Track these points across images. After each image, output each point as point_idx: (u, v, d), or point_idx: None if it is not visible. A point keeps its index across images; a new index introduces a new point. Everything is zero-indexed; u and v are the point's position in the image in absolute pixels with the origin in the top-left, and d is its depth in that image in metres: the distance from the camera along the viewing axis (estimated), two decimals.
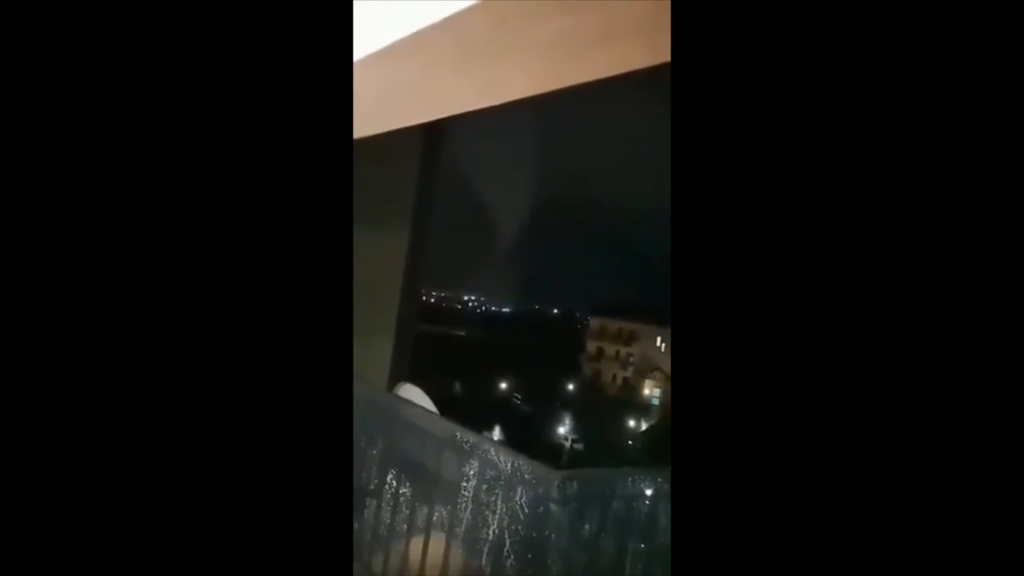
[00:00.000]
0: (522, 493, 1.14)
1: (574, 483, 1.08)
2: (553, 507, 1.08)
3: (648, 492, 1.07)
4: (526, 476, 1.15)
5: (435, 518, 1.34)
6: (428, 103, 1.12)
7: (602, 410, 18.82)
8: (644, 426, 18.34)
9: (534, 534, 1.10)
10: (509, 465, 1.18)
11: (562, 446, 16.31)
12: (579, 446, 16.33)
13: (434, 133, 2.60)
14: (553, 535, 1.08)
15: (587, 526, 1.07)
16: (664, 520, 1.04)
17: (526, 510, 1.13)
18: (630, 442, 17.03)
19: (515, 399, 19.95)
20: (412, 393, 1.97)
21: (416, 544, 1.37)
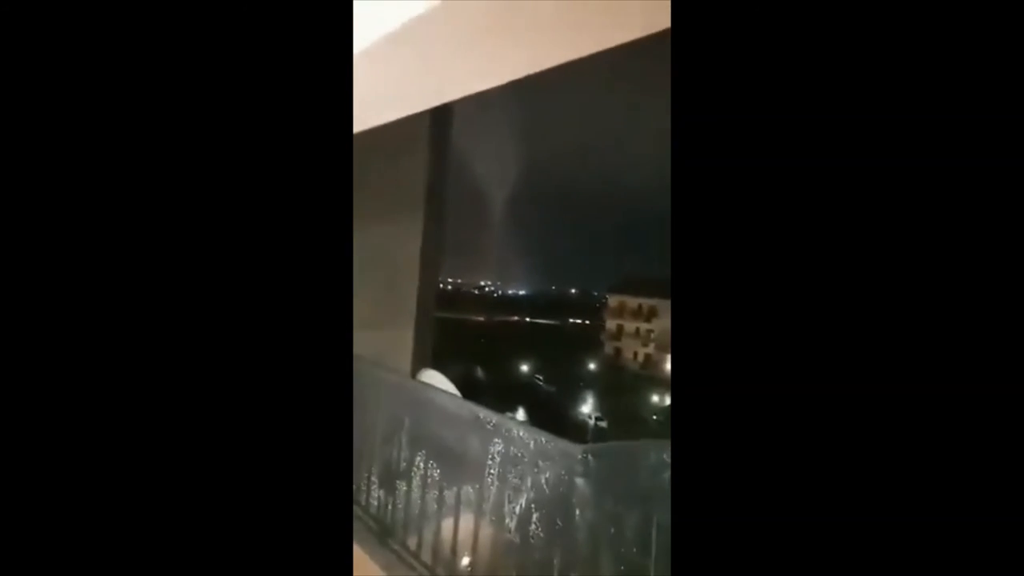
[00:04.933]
0: (546, 468, 1.17)
1: (596, 457, 1.10)
2: (577, 480, 1.11)
3: (667, 462, 1.08)
4: (549, 452, 1.18)
5: (463, 496, 1.38)
6: (428, 90, 1.12)
7: (625, 387, 18.87)
8: (667, 401, 18.35)
9: (560, 507, 1.13)
10: (532, 442, 1.21)
11: (586, 424, 16.46)
12: (603, 423, 16.46)
13: (443, 120, 2.59)
14: (578, 508, 1.11)
15: (611, 498, 1.09)
16: None
17: (551, 484, 1.16)
18: (654, 417, 17.07)
19: (537, 380, 20.10)
20: (434, 378, 2.01)
21: (447, 522, 1.42)
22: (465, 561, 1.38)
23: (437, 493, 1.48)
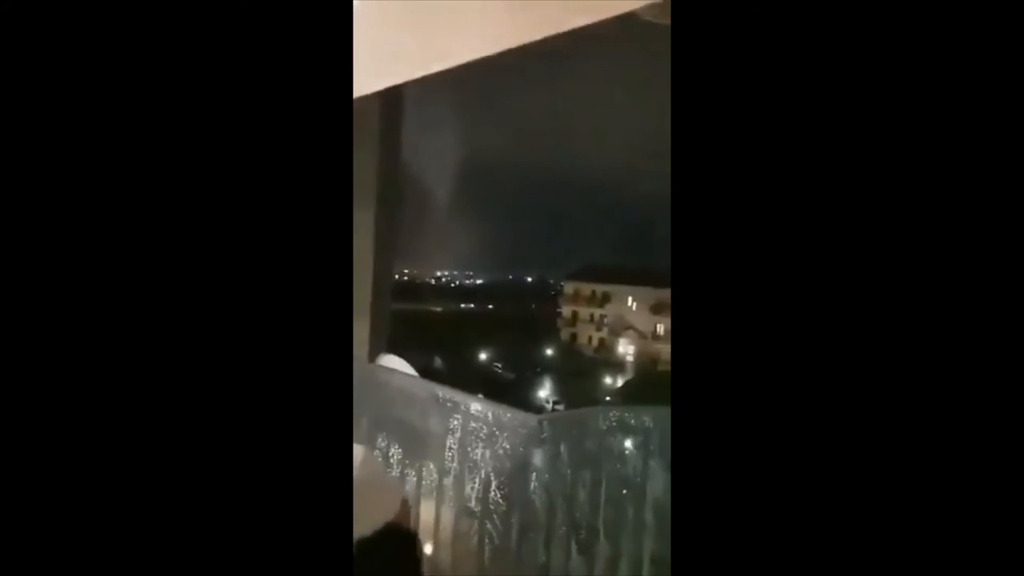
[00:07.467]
0: (503, 439, 1.24)
1: (550, 424, 1.18)
2: (533, 448, 1.18)
3: (618, 426, 1.18)
4: (505, 423, 1.24)
5: (425, 472, 1.43)
6: (377, 71, 1.09)
7: (580, 371, 19.43)
8: (621, 383, 19.04)
9: (517, 474, 1.21)
10: (490, 415, 1.27)
11: (543, 408, 16.86)
12: (560, 407, 16.92)
13: (393, 104, 2.56)
14: (535, 473, 1.18)
15: (565, 461, 1.18)
16: (633, 449, 1.16)
17: (508, 453, 1.23)
18: (607, 398, 17.72)
19: (495, 368, 20.27)
20: (393, 363, 2.03)
21: (410, 497, 1.46)
22: (428, 546, 1.44)
23: (399, 471, 1.52)
